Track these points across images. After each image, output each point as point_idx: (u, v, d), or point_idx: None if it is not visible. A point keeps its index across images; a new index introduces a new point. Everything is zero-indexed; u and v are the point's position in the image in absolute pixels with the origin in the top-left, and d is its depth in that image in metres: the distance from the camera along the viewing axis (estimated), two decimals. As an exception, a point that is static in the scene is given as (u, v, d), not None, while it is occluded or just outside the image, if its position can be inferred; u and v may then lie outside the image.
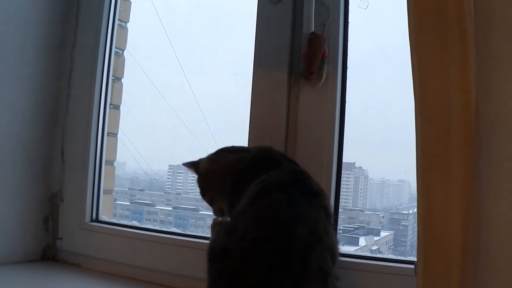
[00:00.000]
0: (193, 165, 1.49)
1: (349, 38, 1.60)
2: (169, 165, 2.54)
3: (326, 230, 1.17)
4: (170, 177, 2.59)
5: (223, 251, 1.14)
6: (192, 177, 2.65)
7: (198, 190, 1.50)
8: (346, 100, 1.58)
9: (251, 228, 1.13)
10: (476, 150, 0.96)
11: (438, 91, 1.03)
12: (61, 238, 1.95)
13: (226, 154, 1.45)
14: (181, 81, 2.09)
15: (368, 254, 1.69)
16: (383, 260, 1.49)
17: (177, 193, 2.57)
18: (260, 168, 1.31)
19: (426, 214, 1.03)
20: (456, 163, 1.01)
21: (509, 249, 0.91)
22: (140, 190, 2.68)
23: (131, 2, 2.12)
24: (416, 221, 1.06)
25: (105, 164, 2.00)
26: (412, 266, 1.13)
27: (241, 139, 1.64)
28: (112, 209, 2.13)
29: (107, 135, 2.00)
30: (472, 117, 0.98)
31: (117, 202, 2.51)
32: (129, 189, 2.67)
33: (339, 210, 1.62)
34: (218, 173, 1.42)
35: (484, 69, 0.93)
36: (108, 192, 2.06)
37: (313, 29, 1.55)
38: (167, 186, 2.62)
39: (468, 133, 0.99)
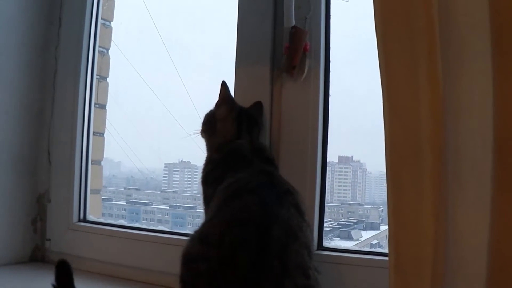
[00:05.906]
0: (225, 98, 1.50)
1: (331, 31, 1.58)
2: (165, 164, 2.53)
3: (300, 226, 1.18)
4: (166, 175, 2.58)
5: (201, 258, 1.14)
6: (188, 175, 2.63)
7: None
8: (330, 94, 1.57)
9: (227, 232, 1.13)
10: (444, 144, 0.95)
11: (406, 86, 1.02)
12: (49, 239, 1.95)
13: (231, 122, 1.46)
14: (170, 79, 2.08)
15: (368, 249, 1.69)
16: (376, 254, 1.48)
17: (173, 192, 2.57)
18: (229, 167, 1.33)
19: (396, 209, 1.03)
20: (425, 158, 1.01)
21: (475, 247, 0.90)
22: (136, 189, 2.67)
23: (114, 1, 2.10)
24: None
25: (92, 163, 1.99)
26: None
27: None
28: (101, 209, 2.13)
29: (93, 135, 1.99)
30: (441, 110, 0.97)
31: (113, 202, 2.51)
32: (125, 188, 2.66)
33: (338, 204, 1.60)
34: (217, 131, 1.46)
35: (448, 60, 0.92)
36: (96, 192, 2.05)
37: (294, 23, 1.54)
38: (163, 184, 2.61)
39: (436, 127, 0.98)
